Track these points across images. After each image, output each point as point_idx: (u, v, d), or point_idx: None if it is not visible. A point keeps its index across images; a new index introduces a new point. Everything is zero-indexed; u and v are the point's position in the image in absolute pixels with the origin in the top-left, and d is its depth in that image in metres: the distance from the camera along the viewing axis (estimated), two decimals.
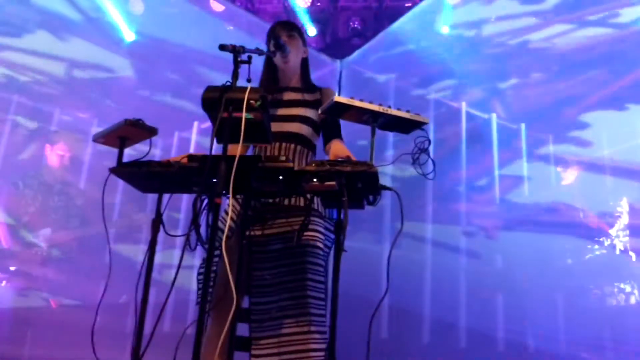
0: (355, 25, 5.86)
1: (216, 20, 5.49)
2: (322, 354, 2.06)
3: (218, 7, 5.50)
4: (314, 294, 2.12)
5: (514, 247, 4.39)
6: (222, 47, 1.75)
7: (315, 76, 2.63)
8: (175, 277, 1.69)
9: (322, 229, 2.22)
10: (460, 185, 4.73)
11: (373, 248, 4.36)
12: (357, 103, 1.83)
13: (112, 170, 1.93)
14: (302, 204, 2.23)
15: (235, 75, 1.75)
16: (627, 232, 4.05)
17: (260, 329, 2.13)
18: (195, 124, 5.36)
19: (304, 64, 2.50)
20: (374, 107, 1.85)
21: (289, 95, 2.43)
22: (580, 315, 3.94)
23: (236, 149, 1.69)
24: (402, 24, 5.23)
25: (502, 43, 5.02)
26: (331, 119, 2.35)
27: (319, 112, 2.05)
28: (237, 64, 1.76)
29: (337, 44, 5.81)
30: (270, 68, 2.46)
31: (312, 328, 2.08)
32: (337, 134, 2.37)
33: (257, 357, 2.11)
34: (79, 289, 4.34)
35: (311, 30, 5.98)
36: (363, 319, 1.88)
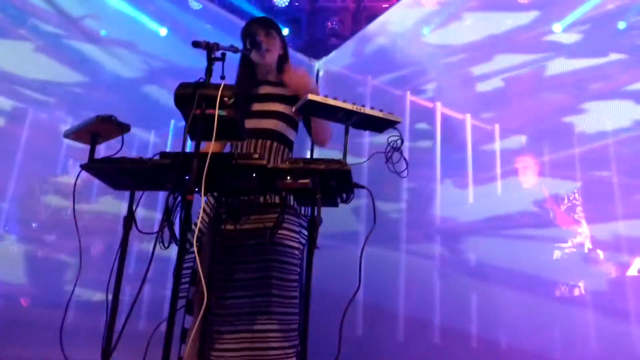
0: (333, 26, 5.88)
1: (193, 18, 5.47)
2: (282, 352, 2.06)
3: (196, 6, 5.47)
4: (278, 292, 2.12)
5: (486, 246, 4.46)
6: (196, 44, 1.75)
7: None
8: (145, 275, 1.69)
9: (295, 227, 2.22)
10: (434, 185, 4.79)
11: (349, 246, 4.37)
12: (330, 101, 1.85)
13: (83, 167, 1.91)
14: (277, 201, 2.23)
15: (208, 72, 1.75)
16: (597, 231, 4.15)
17: (223, 322, 2.12)
18: (172, 122, 5.33)
19: (281, 61, 2.50)
20: (348, 105, 1.87)
21: (264, 89, 2.42)
22: (551, 313, 4.02)
23: (214, 146, 1.70)
24: (379, 24, 5.27)
25: (478, 44, 5.09)
26: None
27: (293, 110, 2.06)
28: (210, 61, 1.77)
29: (314, 44, 5.82)
30: (246, 65, 2.45)
31: (273, 327, 2.08)
32: None
33: (217, 351, 2.09)
34: (55, 287, 4.30)
35: (284, 30, 6.00)
36: (338, 316, 1.89)
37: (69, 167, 4.58)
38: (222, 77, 1.77)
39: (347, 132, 1.92)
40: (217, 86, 1.69)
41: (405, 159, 1.98)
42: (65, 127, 2.04)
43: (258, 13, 6.01)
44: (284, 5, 5.91)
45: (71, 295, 2.02)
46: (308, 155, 4.43)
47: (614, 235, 4.05)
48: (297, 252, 2.20)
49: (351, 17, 5.90)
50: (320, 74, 5.18)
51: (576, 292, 4.11)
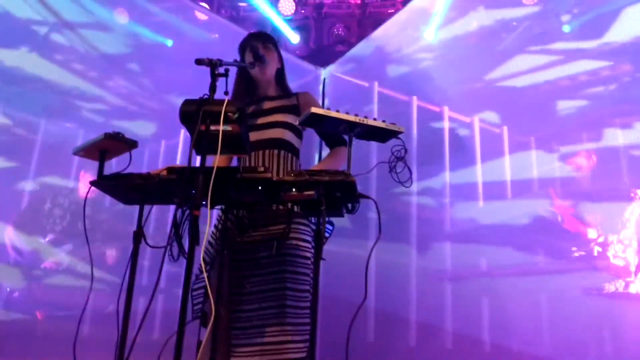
0: (339, 32, 5.91)
1: (200, 29, 5.52)
2: None
3: (202, 17, 5.52)
4: (293, 303, 2.12)
5: (497, 251, 4.44)
6: (199, 62, 1.77)
7: (298, 83, 2.66)
8: (155, 288, 1.72)
9: (305, 237, 2.22)
10: (443, 189, 4.78)
11: (360, 253, 4.38)
12: (333, 114, 1.85)
13: (93, 183, 1.94)
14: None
15: (212, 88, 1.77)
16: (605, 234, 4.12)
17: (241, 336, 2.14)
18: (182, 131, 5.37)
19: (279, 74, 2.53)
20: (350, 117, 1.87)
21: (267, 105, 2.45)
22: (563, 317, 3.99)
23: (221, 160, 1.72)
24: (385, 30, 5.27)
25: (484, 47, 5.08)
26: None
27: (297, 123, 2.08)
28: (214, 77, 1.79)
29: (321, 51, 5.85)
30: (244, 79, 2.47)
31: (291, 337, 2.08)
32: (338, 141, 2.41)
33: None
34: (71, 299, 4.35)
35: (294, 38, 6.03)
36: (349, 322, 1.90)
37: None
38: (226, 93, 1.79)
39: (350, 143, 1.93)
40: (221, 102, 1.72)
41: (409, 168, 1.98)
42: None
43: (265, 21, 6.06)
44: (290, 13, 5.96)
45: (85, 307, 2.06)
46: (316, 161, 4.47)
47: (623, 238, 4.02)
48: (309, 262, 2.19)
49: (357, 23, 5.92)
50: (327, 81, 5.20)
51: (588, 296, 4.07)
